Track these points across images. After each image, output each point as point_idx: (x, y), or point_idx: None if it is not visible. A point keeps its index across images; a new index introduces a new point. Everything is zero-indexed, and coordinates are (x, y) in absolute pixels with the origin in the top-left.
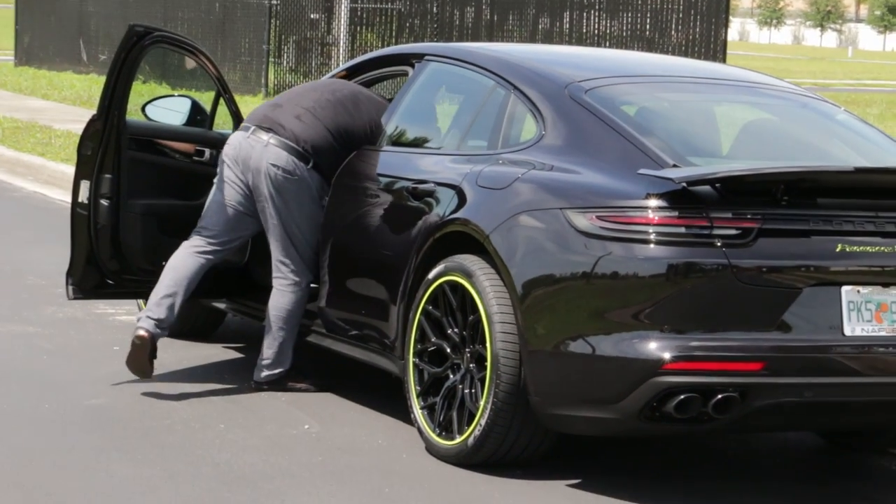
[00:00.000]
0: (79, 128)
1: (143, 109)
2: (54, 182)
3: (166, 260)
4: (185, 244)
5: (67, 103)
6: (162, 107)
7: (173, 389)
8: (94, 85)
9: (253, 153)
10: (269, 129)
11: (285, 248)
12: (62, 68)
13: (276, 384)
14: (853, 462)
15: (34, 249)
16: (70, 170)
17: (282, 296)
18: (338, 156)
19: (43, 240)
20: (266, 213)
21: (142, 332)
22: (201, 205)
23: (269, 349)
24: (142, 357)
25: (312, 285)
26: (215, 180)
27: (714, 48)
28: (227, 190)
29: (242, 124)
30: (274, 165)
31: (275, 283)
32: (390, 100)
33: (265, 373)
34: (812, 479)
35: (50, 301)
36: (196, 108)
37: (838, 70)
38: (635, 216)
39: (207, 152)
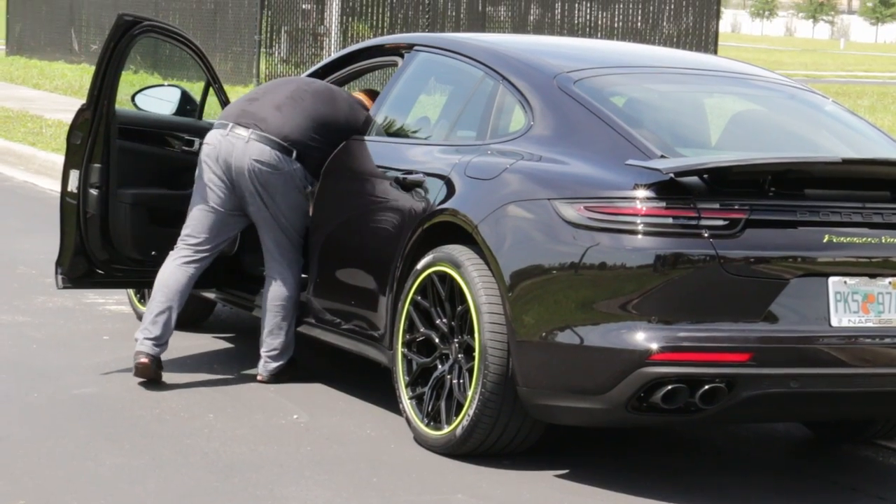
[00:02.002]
0: (69, 117)
1: (132, 99)
2: (45, 172)
3: (156, 249)
4: (172, 255)
5: (58, 93)
6: (152, 96)
7: (162, 379)
8: (85, 74)
9: (234, 151)
10: (248, 125)
11: (277, 241)
12: (53, 58)
13: (283, 374)
14: (840, 453)
15: (24, 239)
16: (60, 159)
17: (278, 286)
18: (320, 146)
19: (33, 229)
20: (254, 208)
21: (143, 360)
22: (190, 194)
23: (274, 340)
24: (148, 375)
25: (303, 275)
26: (195, 185)
27: (705, 40)
28: (209, 193)
29: (218, 121)
30: (258, 161)
31: (269, 274)
32: (375, 93)
33: (274, 364)
34: (799, 470)
35: (40, 290)
36: (186, 97)
37: (830, 62)
38: (623, 207)
39: (197, 142)
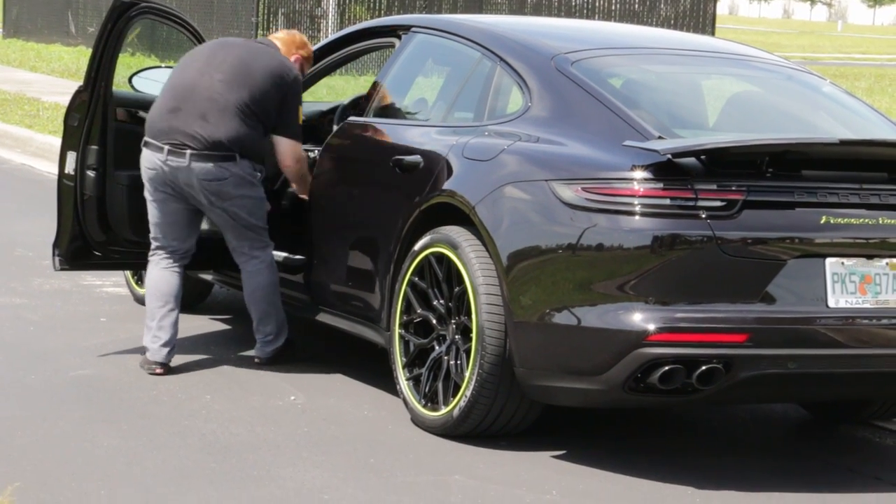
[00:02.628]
0: (66, 100)
1: (130, 80)
2: (42, 154)
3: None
4: (153, 261)
5: (55, 75)
6: (149, 78)
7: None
8: (82, 57)
9: (179, 175)
10: (181, 147)
11: (241, 236)
12: (50, 40)
13: (281, 356)
14: (837, 434)
15: (22, 221)
16: (58, 142)
17: (255, 278)
18: (256, 128)
19: (30, 212)
20: (213, 214)
21: (159, 371)
22: None
23: (266, 325)
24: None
25: (297, 256)
26: (147, 199)
27: (703, 22)
28: (165, 207)
29: (149, 140)
30: (205, 179)
31: (242, 268)
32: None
33: (271, 347)
34: (796, 451)
35: (37, 273)
36: None
37: (828, 44)
38: (620, 188)
39: None
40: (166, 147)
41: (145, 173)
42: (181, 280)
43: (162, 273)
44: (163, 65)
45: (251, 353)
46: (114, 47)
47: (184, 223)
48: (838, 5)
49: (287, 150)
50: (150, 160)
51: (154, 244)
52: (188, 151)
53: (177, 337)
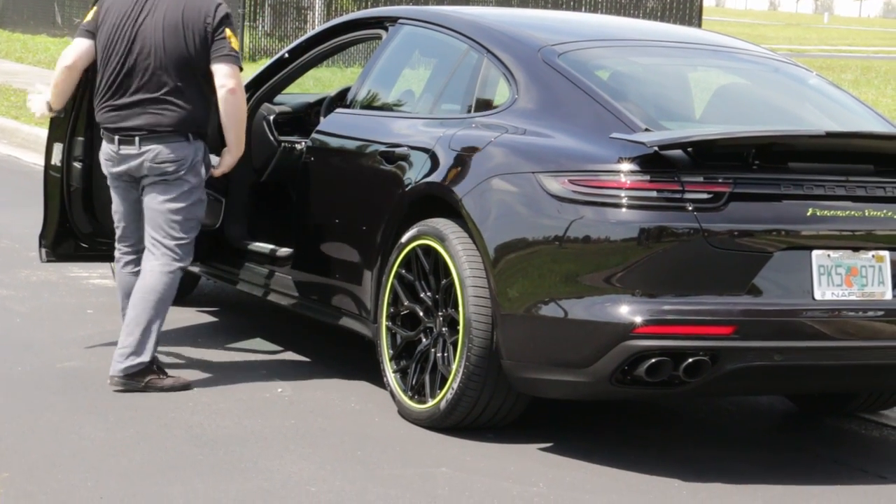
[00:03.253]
0: None
1: None
2: (28, 145)
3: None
4: (119, 261)
5: (42, 66)
6: None
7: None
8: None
9: (132, 163)
10: (130, 135)
11: (170, 232)
12: (36, 31)
13: (134, 378)
14: (823, 427)
15: (7, 212)
16: (44, 133)
17: (156, 278)
18: (201, 94)
19: (16, 203)
20: (152, 199)
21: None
22: None
23: (129, 336)
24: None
25: (285, 249)
26: (110, 186)
27: (689, 13)
28: (123, 194)
29: (101, 126)
30: (158, 164)
31: (149, 264)
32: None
33: (124, 364)
34: (783, 443)
35: (23, 264)
36: None
37: (814, 36)
38: (607, 180)
39: None
40: (116, 138)
41: (103, 162)
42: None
43: (130, 277)
44: None
45: (239, 345)
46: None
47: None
48: None
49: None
50: (105, 151)
51: (119, 245)
52: (138, 140)
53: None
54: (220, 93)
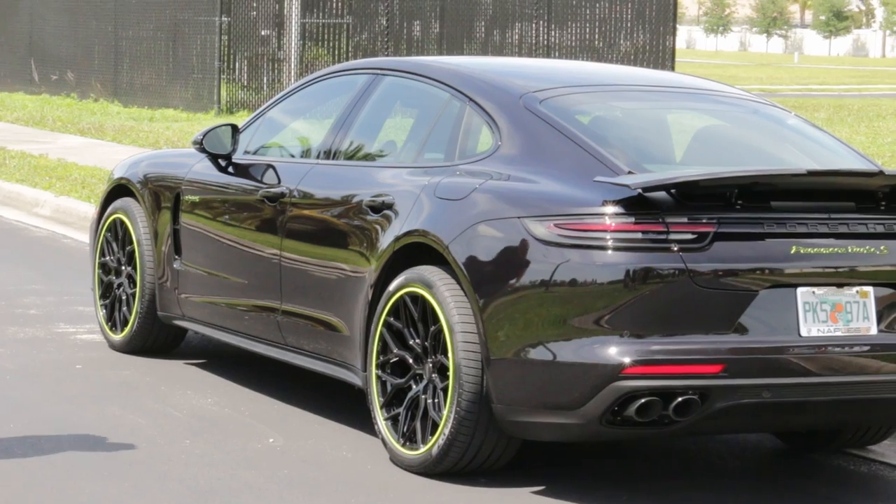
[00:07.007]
0: (32, 148)
1: None
2: (9, 203)
3: None
4: None
5: (20, 124)
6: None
7: (137, 406)
8: (45, 105)
9: None
10: None
11: None
12: (13, 89)
13: None
14: (812, 463)
15: None
16: (25, 190)
17: None
18: None
19: (0, 260)
20: None
21: None
22: None
23: None
24: None
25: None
26: None
27: (662, 56)
28: None
29: None
30: None
31: None
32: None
33: None
34: (772, 480)
35: (10, 321)
36: None
37: (785, 75)
38: (592, 223)
39: None
40: None
41: None
42: None
43: None
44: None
45: (228, 396)
46: None
47: None
48: (794, 37)
49: None
50: None
51: None
52: None
53: None
54: None
